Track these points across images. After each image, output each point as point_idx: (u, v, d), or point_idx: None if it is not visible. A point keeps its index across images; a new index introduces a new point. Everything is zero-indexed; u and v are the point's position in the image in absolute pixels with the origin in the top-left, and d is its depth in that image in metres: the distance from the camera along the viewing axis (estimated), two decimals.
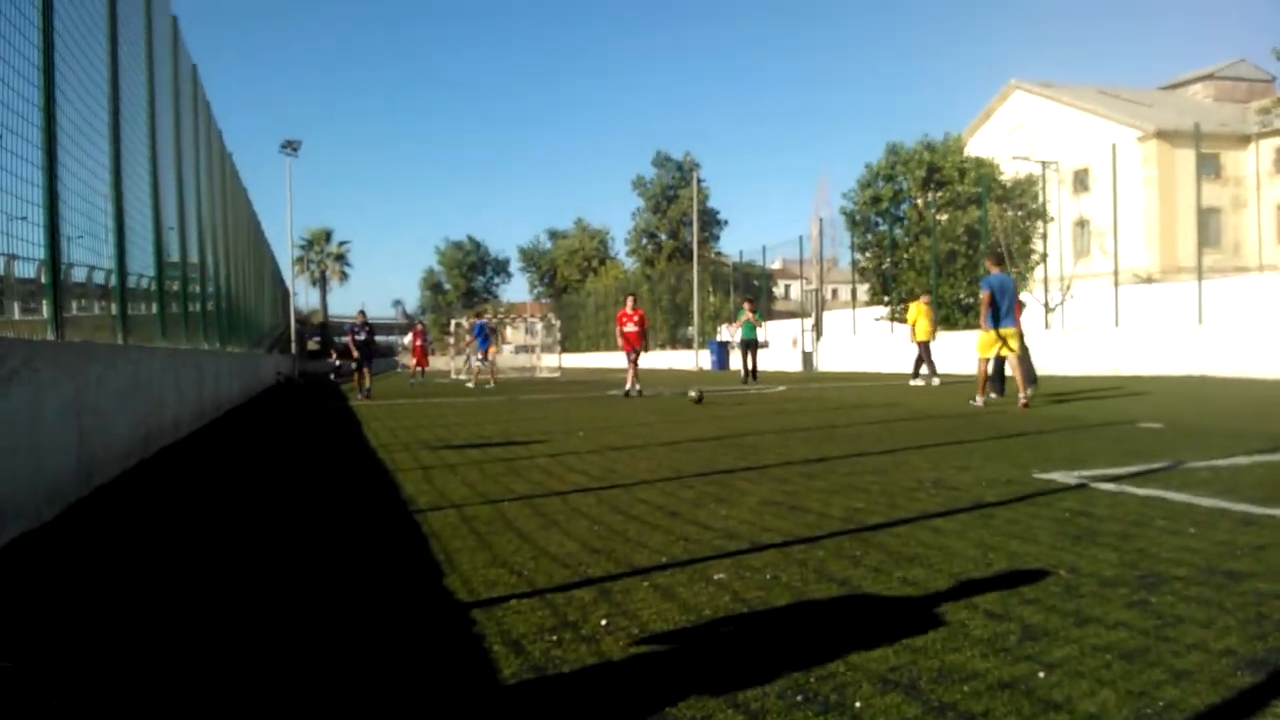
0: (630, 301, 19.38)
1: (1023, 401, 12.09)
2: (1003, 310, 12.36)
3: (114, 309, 7.97)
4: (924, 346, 19.91)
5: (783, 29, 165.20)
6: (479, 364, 27.99)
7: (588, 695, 2.48)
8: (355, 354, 21.38)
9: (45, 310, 5.86)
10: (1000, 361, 13.22)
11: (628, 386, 18.35)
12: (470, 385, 26.46)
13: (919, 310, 20.19)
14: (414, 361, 30.89)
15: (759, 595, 3.33)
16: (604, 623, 3.05)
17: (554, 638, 2.91)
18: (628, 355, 18.86)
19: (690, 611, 3.16)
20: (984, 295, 12.47)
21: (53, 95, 5.84)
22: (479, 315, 31.64)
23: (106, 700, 2.51)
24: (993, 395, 13.45)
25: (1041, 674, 2.49)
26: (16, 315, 6.26)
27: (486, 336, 27.94)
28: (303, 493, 6.35)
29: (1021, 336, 12.87)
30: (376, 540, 4.61)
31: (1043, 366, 23.44)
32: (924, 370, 19.80)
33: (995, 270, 12.95)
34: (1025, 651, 2.66)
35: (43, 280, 5.87)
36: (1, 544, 4.31)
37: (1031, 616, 2.99)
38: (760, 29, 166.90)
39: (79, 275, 7.11)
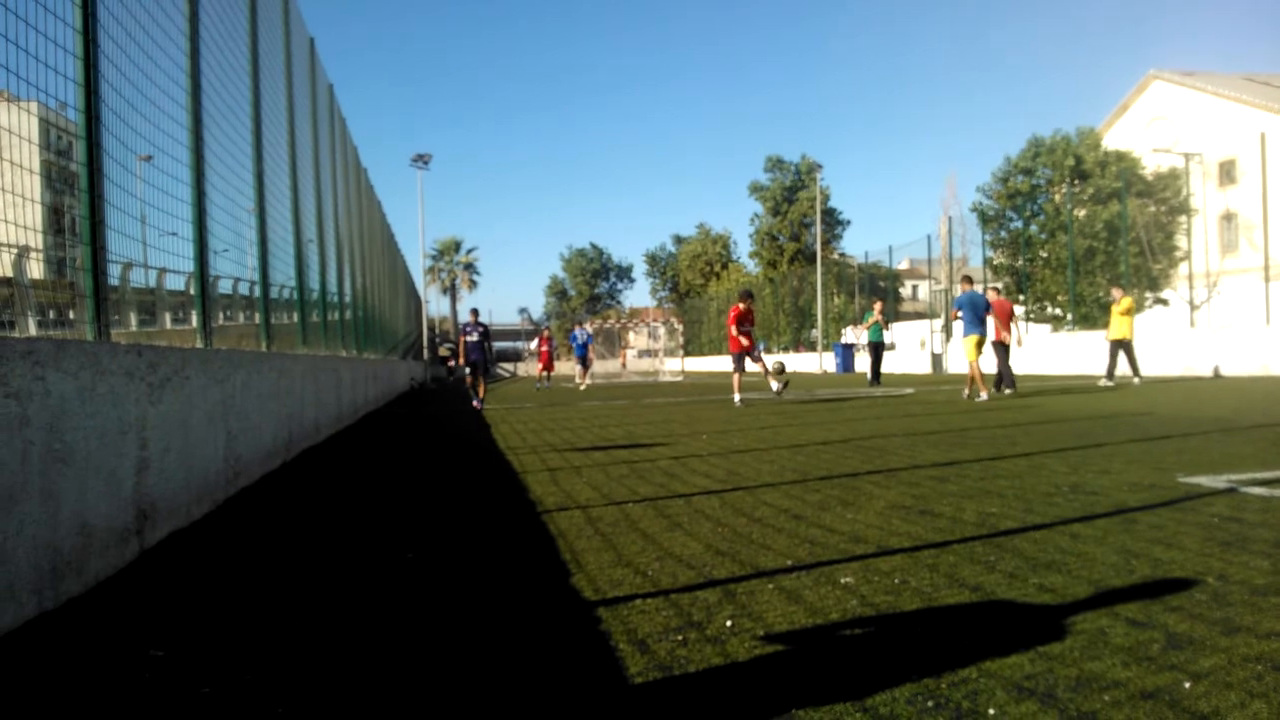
0: (749, 300, 16.63)
1: (968, 394, 15.68)
2: (967, 321, 15.71)
3: (257, 318, 8.36)
4: (1113, 345, 18.88)
5: (903, 22, 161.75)
6: (579, 369, 30.79)
7: (714, 695, 2.47)
8: (459, 359, 19.69)
9: (194, 320, 6.20)
10: (1004, 360, 16.41)
11: (746, 394, 16.52)
12: (581, 388, 28.13)
13: (1112, 308, 19.21)
14: (540, 366, 31.60)
15: (887, 600, 3.27)
16: (729, 624, 3.04)
17: (679, 637, 2.92)
18: (739, 358, 16.32)
19: (816, 614, 3.13)
20: (953, 312, 15.98)
21: (200, 116, 6.18)
22: (579, 324, 33.59)
23: (252, 686, 2.63)
24: (1007, 391, 16.10)
25: (1187, 684, 2.37)
26: (168, 325, 6.64)
27: (583, 344, 30.63)
28: (436, 493, 6.53)
29: (1003, 343, 16.48)
30: (507, 540, 4.71)
31: (1187, 366, 22.52)
32: (1122, 369, 18.84)
33: (966, 289, 16.03)
34: (1170, 661, 2.54)
35: (191, 292, 6.20)
36: (154, 541, 4.58)
37: (1177, 625, 2.85)
38: (880, 20, 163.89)
39: (224, 287, 7.49)
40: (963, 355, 16.04)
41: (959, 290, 16.29)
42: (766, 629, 2.98)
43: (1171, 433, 8.62)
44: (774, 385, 16.59)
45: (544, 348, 31.55)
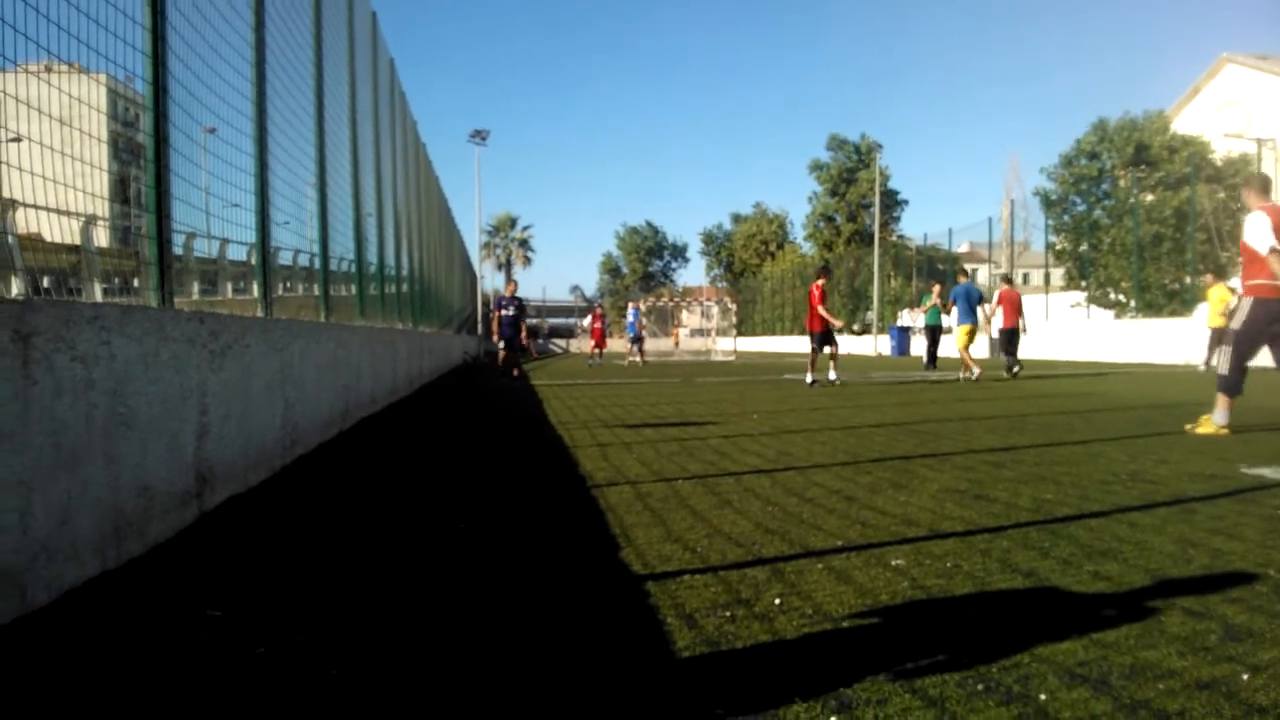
0: (827, 276, 16.33)
1: (963, 376, 17.11)
2: (961, 310, 17.99)
3: (316, 289, 8.48)
4: (1213, 333, 18.61)
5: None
6: (633, 346, 31.73)
7: (761, 671, 2.47)
8: (494, 335, 19.17)
9: (255, 290, 6.30)
10: (1013, 345, 18.23)
11: (834, 375, 16.12)
12: (625, 365, 29.39)
13: (1208, 294, 19.17)
14: (593, 343, 31.78)
15: (939, 583, 3.25)
16: (777, 601, 3.04)
17: (727, 614, 2.93)
18: (820, 337, 15.84)
19: (866, 595, 3.11)
20: (949, 304, 18.44)
21: (263, 90, 6.25)
22: (631, 302, 34.69)
23: (306, 648, 2.68)
24: (1016, 370, 17.74)
25: (1245, 676, 2.32)
26: (229, 294, 6.76)
27: (634, 322, 31.59)
28: (488, 465, 6.59)
29: (1013, 329, 18.37)
30: (557, 513, 4.75)
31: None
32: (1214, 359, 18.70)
33: (962, 281, 18.65)
34: (1227, 652, 2.49)
35: (253, 262, 6.31)
36: (212, 505, 4.68)
37: (1235, 616, 2.79)
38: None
39: (285, 258, 7.60)
40: (954, 342, 18.38)
41: (958, 280, 18.82)
42: (815, 608, 2.97)
43: (1236, 423, 8.41)
44: (831, 374, 16.18)
45: (596, 325, 31.75)
